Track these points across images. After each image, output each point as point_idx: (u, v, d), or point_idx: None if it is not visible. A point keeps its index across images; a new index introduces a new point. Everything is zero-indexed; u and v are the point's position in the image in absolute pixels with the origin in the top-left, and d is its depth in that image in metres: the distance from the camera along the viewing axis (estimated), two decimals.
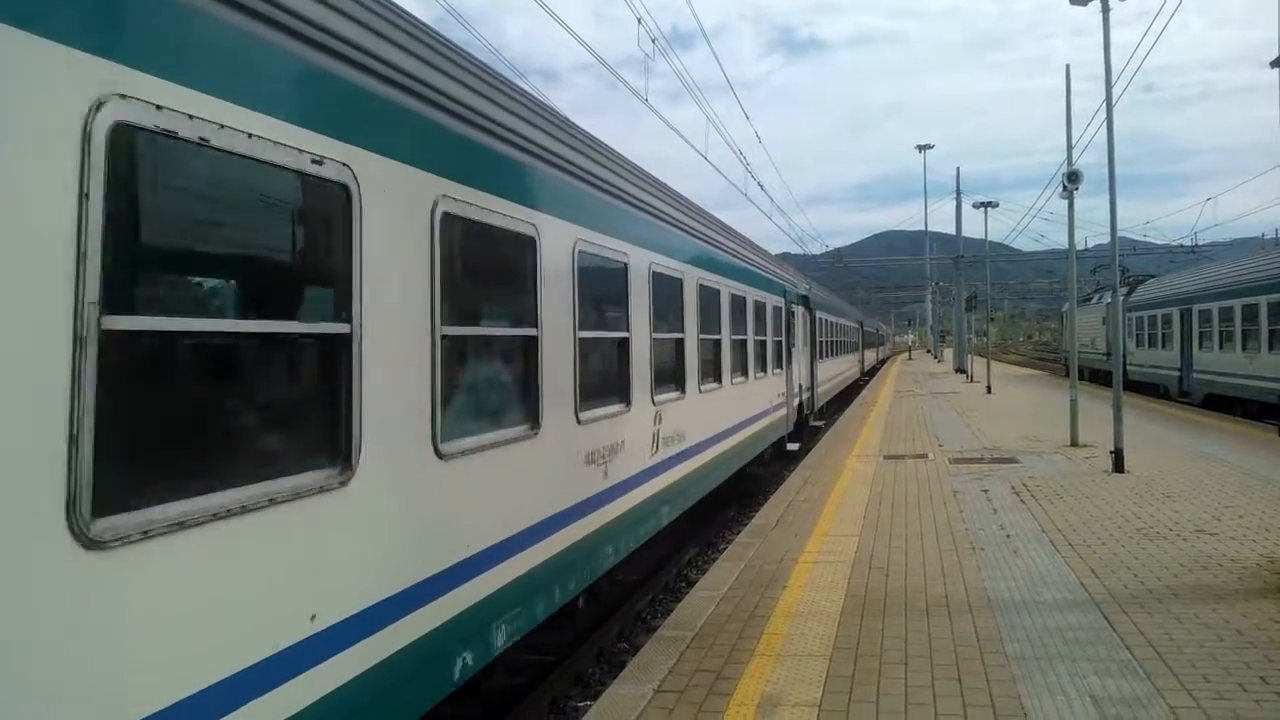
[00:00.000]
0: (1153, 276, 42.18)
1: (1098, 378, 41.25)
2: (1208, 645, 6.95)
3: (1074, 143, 19.96)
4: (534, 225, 6.43)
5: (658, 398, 9.57)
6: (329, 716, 4.00)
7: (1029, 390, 39.81)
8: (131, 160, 3.20)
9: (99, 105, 3.01)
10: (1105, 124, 17.10)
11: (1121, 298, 25.13)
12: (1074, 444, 19.22)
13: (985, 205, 47.22)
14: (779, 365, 18.69)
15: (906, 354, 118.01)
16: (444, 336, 5.20)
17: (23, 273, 2.79)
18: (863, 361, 55.20)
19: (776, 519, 12.29)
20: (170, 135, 3.30)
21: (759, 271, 16.74)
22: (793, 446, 20.86)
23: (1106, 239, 18.32)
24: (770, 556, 10.19)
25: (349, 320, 4.35)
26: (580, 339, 7.33)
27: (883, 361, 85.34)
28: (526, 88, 7.75)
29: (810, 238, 77.76)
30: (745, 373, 14.74)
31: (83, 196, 2.94)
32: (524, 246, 6.38)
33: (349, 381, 4.33)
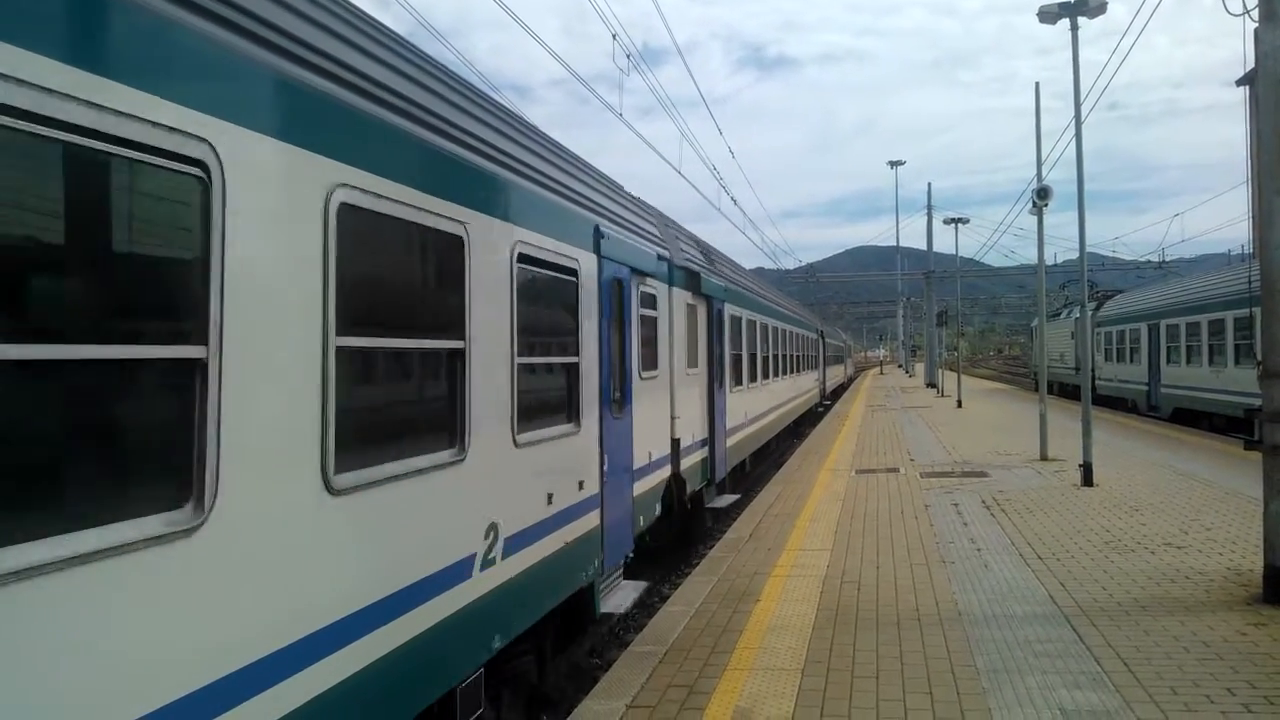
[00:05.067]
0: (1121, 292, 42.70)
1: (1067, 392, 41.66)
2: (1175, 658, 7.01)
3: (1042, 159, 20.21)
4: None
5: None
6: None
7: (999, 404, 40.14)
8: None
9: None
10: (1074, 141, 17.34)
11: (1090, 313, 25.40)
12: (1043, 458, 19.39)
13: (956, 221, 47.68)
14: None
15: (878, 369, 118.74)
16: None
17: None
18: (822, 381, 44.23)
19: (749, 533, 12.29)
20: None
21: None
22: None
23: (1075, 254, 18.57)
24: (743, 570, 10.19)
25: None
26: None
27: (840, 388, 63.23)
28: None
29: (783, 252, 78.31)
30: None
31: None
32: None
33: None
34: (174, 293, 3.46)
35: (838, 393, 58.09)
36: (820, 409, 41.31)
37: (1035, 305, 30.67)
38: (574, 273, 7.77)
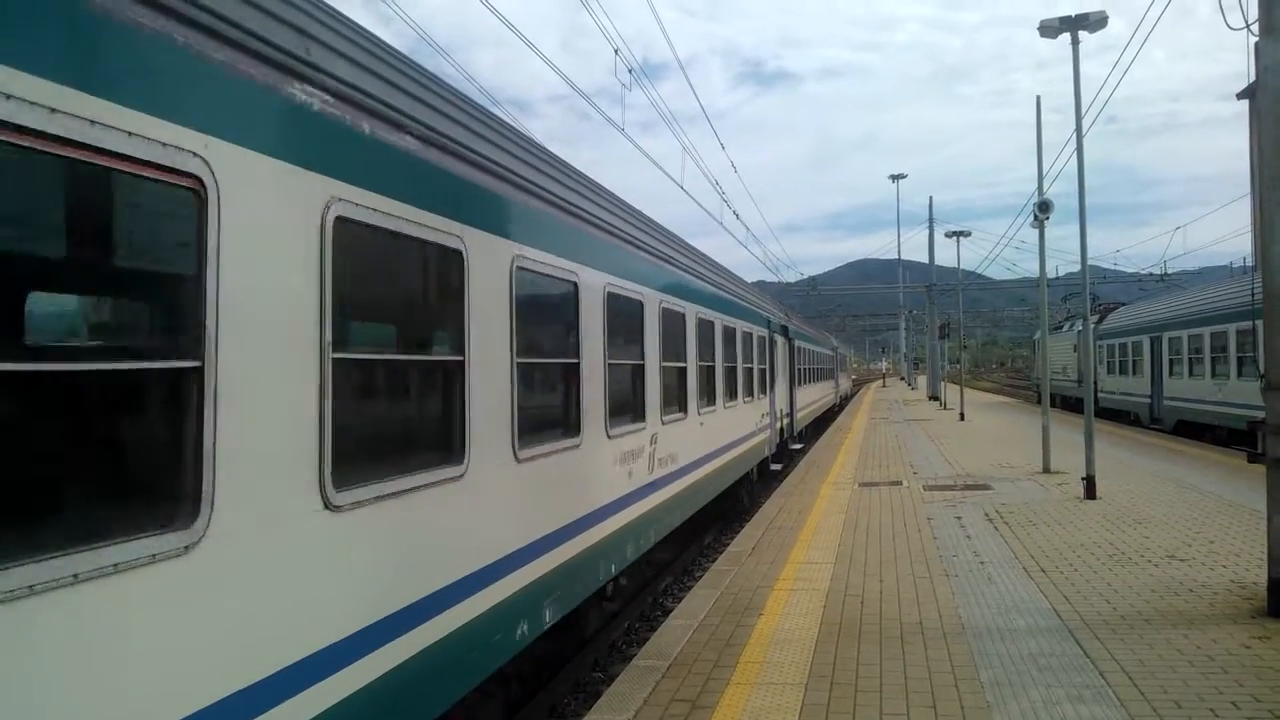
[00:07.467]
0: (1123, 304, 42.68)
1: (1070, 405, 41.60)
2: (1180, 671, 6.99)
3: (1044, 173, 20.25)
4: None
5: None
6: None
7: (1001, 417, 40.08)
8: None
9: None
10: (1075, 154, 17.36)
11: (1092, 326, 25.41)
12: (1046, 470, 19.37)
13: (958, 234, 47.71)
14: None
15: (880, 382, 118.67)
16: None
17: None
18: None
19: (752, 546, 12.27)
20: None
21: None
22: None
23: (1077, 267, 18.54)
24: (746, 584, 10.17)
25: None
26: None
27: (830, 412, 46.79)
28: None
29: (785, 266, 78.42)
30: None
31: None
32: None
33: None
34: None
35: (826, 419, 42.18)
36: (772, 467, 21.93)
37: (1037, 318, 30.68)
38: None
